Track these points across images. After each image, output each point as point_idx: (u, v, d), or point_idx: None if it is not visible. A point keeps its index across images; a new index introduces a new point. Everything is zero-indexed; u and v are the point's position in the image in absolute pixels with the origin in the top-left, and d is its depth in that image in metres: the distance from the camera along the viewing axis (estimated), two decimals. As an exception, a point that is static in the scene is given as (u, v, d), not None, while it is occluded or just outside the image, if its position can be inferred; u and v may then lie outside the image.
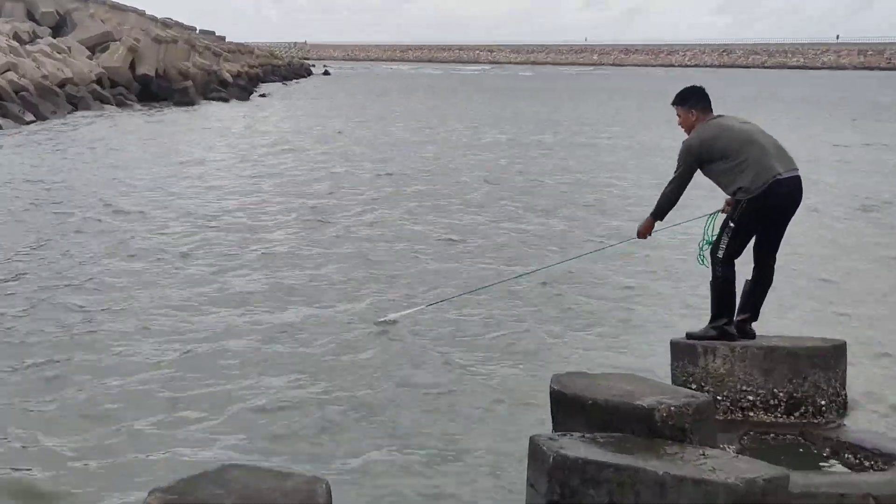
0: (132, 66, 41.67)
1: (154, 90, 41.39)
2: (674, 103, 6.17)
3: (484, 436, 5.88)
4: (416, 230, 12.87)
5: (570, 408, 4.55)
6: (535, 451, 4.12)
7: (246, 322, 8.31)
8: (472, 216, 14.08)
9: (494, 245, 11.94)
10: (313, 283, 9.71)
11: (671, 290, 9.51)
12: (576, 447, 4.04)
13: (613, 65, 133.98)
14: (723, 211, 6.29)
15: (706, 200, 7.31)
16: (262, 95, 51.10)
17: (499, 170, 19.89)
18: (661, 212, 6.16)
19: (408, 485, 5.20)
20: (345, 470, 5.34)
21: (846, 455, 5.17)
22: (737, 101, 40.83)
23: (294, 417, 6.13)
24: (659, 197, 6.14)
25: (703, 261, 6.29)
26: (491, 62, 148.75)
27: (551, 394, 4.69)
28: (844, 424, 5.60)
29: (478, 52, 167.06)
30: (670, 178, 6.06)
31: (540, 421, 5.62)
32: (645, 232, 6.36)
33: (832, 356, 5.78)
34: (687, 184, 6.01)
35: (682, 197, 6.06)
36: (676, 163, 6.02)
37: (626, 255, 10.47)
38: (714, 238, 6.08)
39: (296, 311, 8.66)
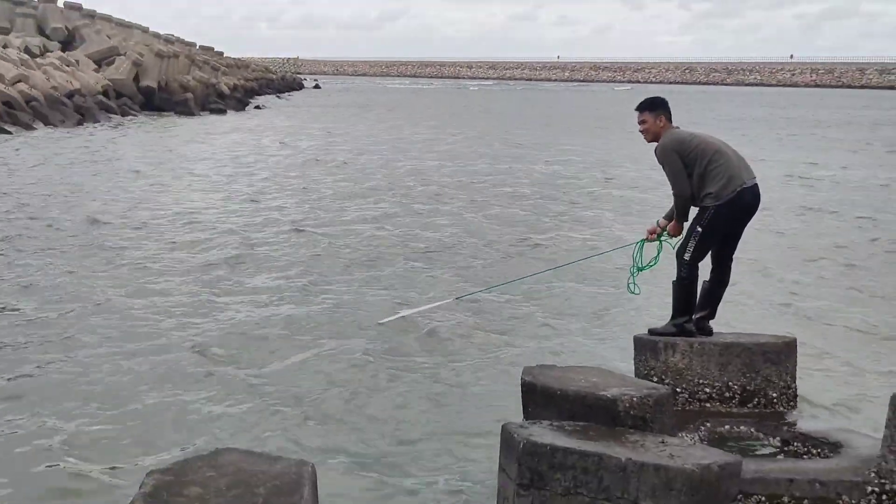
0: (136, 79, 41.51)
1: (156, 101, 41.31)
2: (642, 109, 6.01)
3: (460, 425, 5.89)
4: (421, 234, 12.86)
5: (539, 398, 4.56)
6: (507, 438, 4.12)
7: (249, 317, 8.27)
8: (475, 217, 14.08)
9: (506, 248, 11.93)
10: (317, 283, 9.62)
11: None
12: (544, 434, 4.05)
13: (584, 80, 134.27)
14: (647, 239, 6.28)
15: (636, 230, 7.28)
16: (258, 107, 50.93)
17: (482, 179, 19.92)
18: (683, 211, 5.95)
19: (388, 469, 5.20)
20: (330, 456, 5.34)
21: (795, 443, 5.20)
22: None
23: (287, 408, 6.11)
24: (674, 202, 5.94)
25: (634, 289, 6.25)
26: (470, 77, 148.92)
27: (522, 385, 4.70)
28: (794, 415, 5.64)
29: (458, 67, 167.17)
30: (669, 184, 5.94)
31: (512, 409, 5.64)
32: (676, 233, 6.11)
33: (783, 352, 5.82)
34: (684, 172, 5.75)
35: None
36: (662, 166, 5.87)
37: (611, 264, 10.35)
38: (645, 262, 6.19)
39: (299, 308, 8.59)
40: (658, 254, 6.31)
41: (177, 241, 11.93)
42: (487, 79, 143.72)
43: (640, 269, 6.27)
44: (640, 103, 6.05)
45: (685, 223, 5.97)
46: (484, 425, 5.80)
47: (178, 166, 20.83)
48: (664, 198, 6.17)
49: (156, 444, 5.48)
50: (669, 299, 6.19)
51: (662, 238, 6.22)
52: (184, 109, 41.06)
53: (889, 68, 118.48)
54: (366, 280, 9.90)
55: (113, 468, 5.17)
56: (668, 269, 6.06)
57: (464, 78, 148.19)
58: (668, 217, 6.15)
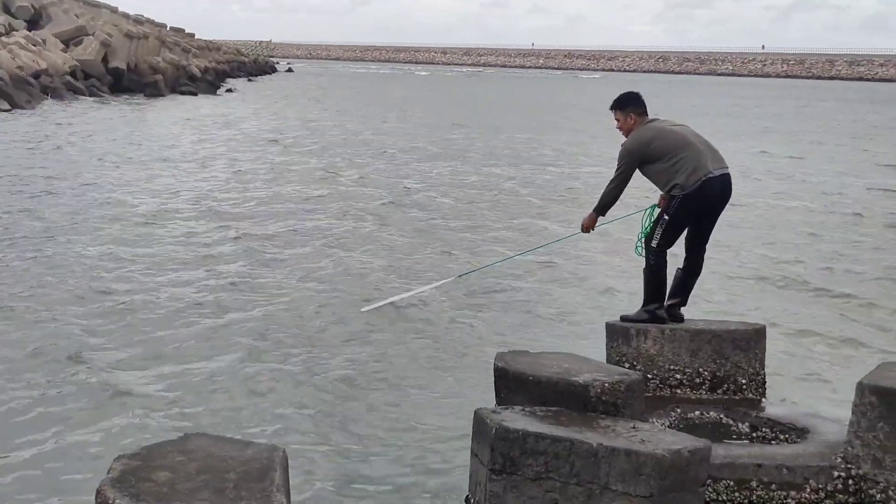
0: (105, 60, 40.88)
1: (125, 83, 40.77)
2: (613, 108, 6.16)
3: (434, 411, 5.89)
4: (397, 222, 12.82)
5: (512, 383, 4.56)
6: (479, 423, 4.13)
7: (230, 303, 8.20)
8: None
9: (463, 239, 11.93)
10: (298, 270, 9.54)
11: (608, 279, 9.60)
12: (517, 420, 4.06)
13: (558, 68, 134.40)
14: (658, 205, 6.32)
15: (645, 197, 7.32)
16: (229, 90, 50.45)
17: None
18: (603, 208, 6.11)
19: (360, 454, 5.19)
20: (302, 441, 5.31)
21: (763, 429, 5.26)
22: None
23: (258, 394, 6.07)
24: (601, 195, 6.12)
25: (640, 251, 6.29)
26: (444, 63, 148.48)
27: (495, 370, 4.70)
28: (762, 401, 5.70)
29: (432, 53, 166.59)
30: (611, 177, 6.06)
31: (485, 396, 5.65)
32: (589, 226, 6.31)
33: (753, 339, 5.87)
34: (627, 182, 5.97)
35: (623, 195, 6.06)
36: (617, 163, 6.03)
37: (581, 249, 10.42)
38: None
39: (284, 297, 8.50)
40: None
41: (139, 234, 11.79)
42: (463, 65, 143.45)
43: (646, 234, 6.17)
44: (612, 102, 6.13)
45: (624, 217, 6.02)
46: (457, 411, 5.81)
47: (143, 146, 20.57)
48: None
49: (123, 429, 5.42)
50: (639, 286, 6.24)
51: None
52: (153, 91, 40.57)
53: (858, 60, 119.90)
54: (344, 267, 9.82)
55: (80, 452, 5.10)
56: (640, 258, 6.09)
57: (438, 64, 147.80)
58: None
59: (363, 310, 7.88)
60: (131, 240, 10.87)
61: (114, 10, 53.28)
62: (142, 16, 57.33)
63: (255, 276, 9.28)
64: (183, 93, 43.51)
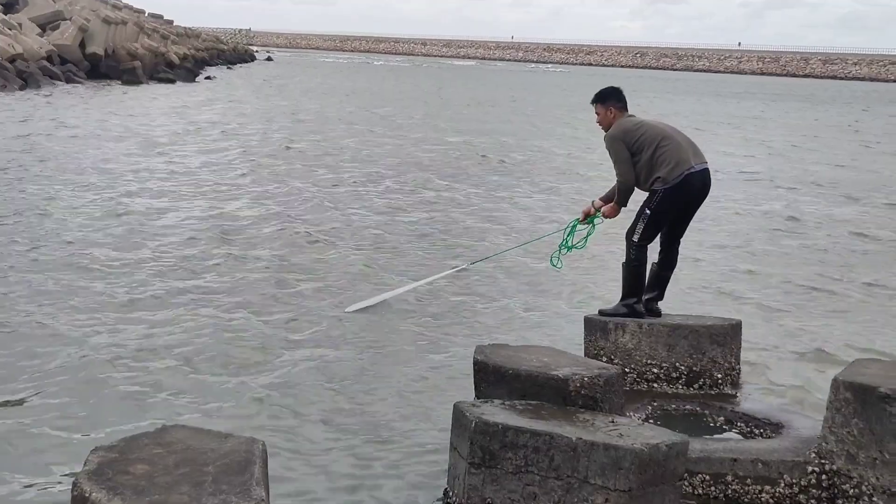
0: (82, 45, 40.30)
1: (103, 69, 40.21)
2: (593, 102, 6.20)
3: (414, 404, 5.87)
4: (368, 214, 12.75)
5: (491, 377, 4.56)
6: (459, 416, 4.12)
7: (210, 298, 8.12)
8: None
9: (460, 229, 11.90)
10: (279, 270, 9.42)
11: (587, 273, 9.62)
12: (496, 413, 4.06)
13: (537, 61, 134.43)
14: (580, 220, 6.46)
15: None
16: (208, 78, 49.97)
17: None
18: (624, 198, 6.06)
19: (339, 448, 5.16)
20: (282, 435, 5.27)
21: (739, 423, 5.30)
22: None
23: (238, 388, 6.01)
24: (617, 188, 6.04)
25: (557, 263, 6.70)
26: (424, 55, 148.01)
27: (475, 364, 4.70)
28: (738, 396, 5.74)
29: (412, 44, 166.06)
30: (614, 172, 6.03)
31: (465, 389, 5.64)
32: (611, 215, 6.24)
33: (729, 334, 5.91)
34: (630, 162, 5.86)
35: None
36: (610, 156, 6.01)
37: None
38: (574, 240, 6.52)
39: (265, 294, 8.37)
40: (588, 236, 6.58)
41: (111, 234, 11.66)
42: (442, 56, 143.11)
43: (568, 249, 6.60)
44: (593, 96, 6.16)
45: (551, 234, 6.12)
46: (437, 404, 5.80)
47: (121, 133, 20.34)
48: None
49: (102, 421, 5.35)
50: (618, 281, 6.25)
51: (595, 221, 6.36)
52: (131, 78, 40.06)
53: (832, 58, 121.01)
54: (327, 267, 9.70)
55: (57, 445, 5.03)
56: (618, 252, 6.10)
57: (417, 55, 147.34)
58: (606, 199, 6.23)
59: (347, 310, 7.78)
60: (101, 227, 10.74)
61: (92, -5, 52.54)
62: (120, 1, 56.55)
63: (223, 271, 9.11)
64: (161, 80, 43.02)
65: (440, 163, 18.58)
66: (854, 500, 4.40)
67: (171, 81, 43.27)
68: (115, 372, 6.13)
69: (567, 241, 6.57)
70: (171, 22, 69.02)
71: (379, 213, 12.64)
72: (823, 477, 4.50)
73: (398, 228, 11.63)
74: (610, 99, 6.11)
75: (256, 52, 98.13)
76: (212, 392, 5.89)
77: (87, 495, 2.85)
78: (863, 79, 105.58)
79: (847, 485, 4.42)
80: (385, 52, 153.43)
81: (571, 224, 6.61)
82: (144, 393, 5.81)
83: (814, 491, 4.51)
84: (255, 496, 2.89)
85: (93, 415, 5.44)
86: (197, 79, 47.81)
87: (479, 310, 8.13)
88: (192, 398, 5.77)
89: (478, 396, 4.63)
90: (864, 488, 4.37)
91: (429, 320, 7.73)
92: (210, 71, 56.58)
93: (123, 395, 5.77)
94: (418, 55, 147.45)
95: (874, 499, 4.34)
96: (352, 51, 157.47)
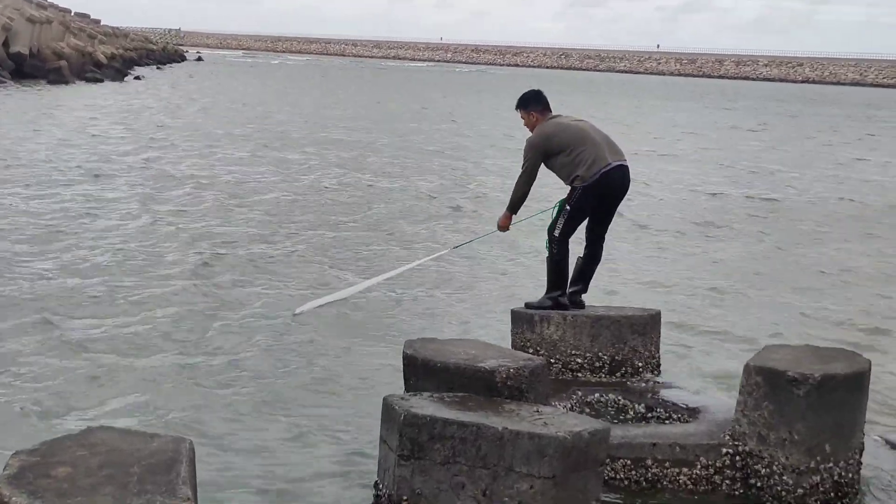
0: (5, 45, 38.90)
1: (27, 69, 38.85)
2: (517, 107, 6.25)
3: (344, 399, 5.82)
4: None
5: (420, 371, 4.55)
6: (388, 409, 4.10)
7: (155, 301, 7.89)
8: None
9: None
10: (228, 267, 9.18)
11: (512, 268, 9.69)
12: (425, 406, 4.04)
13: (465, 62, 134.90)
14: (567, 201, 6.37)
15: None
16: (137, 78, 48.83)
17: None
18: (515, 205, 6.19)
19: (269, 445, 5.09)
20: (210, 434, 5.17)
21: (658, 409, 5.40)
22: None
23: (169, 390, 5.85)
24: (511, 193, 6.17)
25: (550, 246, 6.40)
26: (355, 56, 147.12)
27: (404, 358, 4.67)
28: (657, 383, 5.85)
29: (343, 45, 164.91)
30: (518, 174, 6.11)
31: (394, 384, 5.61)
32: (504, 225, 6.36)
33: (649, 324, 6.02)
34: (534, 177, 6.04)
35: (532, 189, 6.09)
36: (523, 159, 6.09)
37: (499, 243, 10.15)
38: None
39: (212, 296, 8.16)
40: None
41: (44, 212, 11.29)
42: (372, 57, 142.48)
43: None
44: (516, 102, 6.23)
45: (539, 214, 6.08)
46: (366, 399, 5.75)
47: (46, 132, 19.69)
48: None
49: (23, 424, 5.16)
50: (543, 275, 6.30)
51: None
52: (57, 77, 38.84)
53: (744, 60, 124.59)
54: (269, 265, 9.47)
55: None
56: (541, 248, 6.15)
57: (348, 56, 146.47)
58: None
59: (296, 312, 7.54)
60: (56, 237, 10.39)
61: (15, -6, 50.68)
62: (45, 0, 54.76)
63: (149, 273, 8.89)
64: (88, 80, 41.85)
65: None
66: (766, 479, 4.53)
67: (99, 81, 42.12)
68: (41, 371, 5.92)
69: (557, 223, 6.06)
70: (98, 21, 67.11)
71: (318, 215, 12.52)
72: (737, 458, 4.61)
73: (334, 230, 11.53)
74: (531, 103, 6.17)
75: (187, 52, 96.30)
76: (141, 394, 5.74)
77: (6, 501, 2.73)
78: (773, 79, 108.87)
79: (759, 465, 4.55)
80: (317, 53, 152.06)
81: (559, 204, 6.15)
82: (66, 393, 5.63)
83: (728, 472, 4.63)
84: (180, 494, 2.81)
85: (11, 420, 5.25)
86: (126, 79, 46.65)
87: (407, 304, 8.11)
88: (119, 402, 5.61)
89: (407, 390, 4.61)
90: (774, 467, 4.50)
91: (367, 320, 7.61)
92: (139, 71, 55.29)
93: (47, 394, 5.58)
94: (349, 56, 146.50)
95: (784, 477, 4.47)
96: (284, 51, 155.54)
